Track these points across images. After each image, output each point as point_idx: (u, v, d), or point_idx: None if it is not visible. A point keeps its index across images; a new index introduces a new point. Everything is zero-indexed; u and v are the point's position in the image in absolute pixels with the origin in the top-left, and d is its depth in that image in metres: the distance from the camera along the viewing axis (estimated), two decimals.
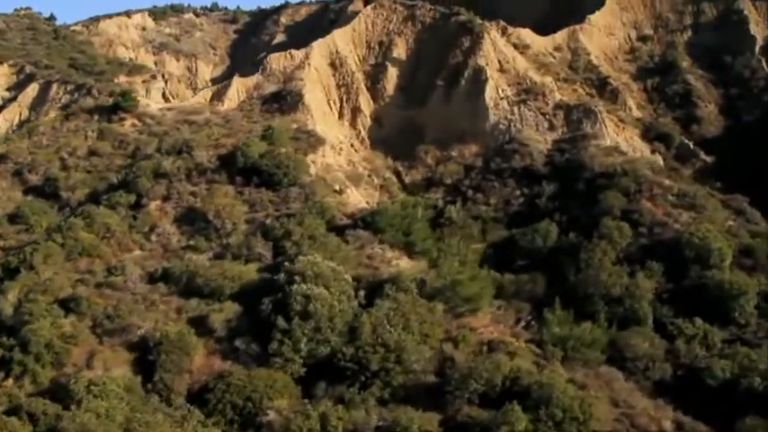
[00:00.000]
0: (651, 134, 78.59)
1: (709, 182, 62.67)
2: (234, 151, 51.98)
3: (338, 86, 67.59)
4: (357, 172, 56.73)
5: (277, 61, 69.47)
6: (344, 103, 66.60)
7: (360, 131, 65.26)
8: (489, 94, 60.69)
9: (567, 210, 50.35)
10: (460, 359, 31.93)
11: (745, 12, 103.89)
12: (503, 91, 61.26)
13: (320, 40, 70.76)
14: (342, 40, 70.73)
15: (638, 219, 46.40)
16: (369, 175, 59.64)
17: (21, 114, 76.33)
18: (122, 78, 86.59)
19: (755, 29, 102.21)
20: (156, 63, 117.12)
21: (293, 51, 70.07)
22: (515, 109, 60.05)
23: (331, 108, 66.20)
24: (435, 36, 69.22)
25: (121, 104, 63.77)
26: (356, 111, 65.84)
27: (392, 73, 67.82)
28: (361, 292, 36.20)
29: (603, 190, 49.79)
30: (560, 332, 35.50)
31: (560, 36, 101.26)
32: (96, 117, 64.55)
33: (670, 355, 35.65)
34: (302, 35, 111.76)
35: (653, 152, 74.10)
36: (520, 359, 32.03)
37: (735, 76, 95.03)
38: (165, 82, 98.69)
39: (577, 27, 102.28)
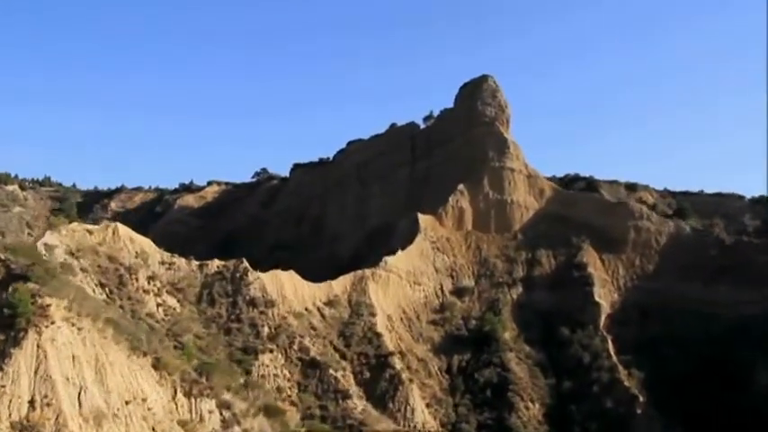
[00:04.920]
0: None
1: None
2: None
3: None
4: None
5: None
6: None
7: None
8: None
9: None
10: None
11: (590, 268, 79.93)
12: None
13: None
14: None
15: None
16: None
17: None
18: None
19: (601, 292, 77.62)
20: None
21: None
22: None
23: None
24: None
25: None
26: None
27: None
28: None
29: None
30: None
31: (340, 284, 73.60)
32: None
33: None
34: (131, 223, 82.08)
35: None
36: None
37: (571, 361, 69.20)
38: None
39: (368, 272, 75.26)
